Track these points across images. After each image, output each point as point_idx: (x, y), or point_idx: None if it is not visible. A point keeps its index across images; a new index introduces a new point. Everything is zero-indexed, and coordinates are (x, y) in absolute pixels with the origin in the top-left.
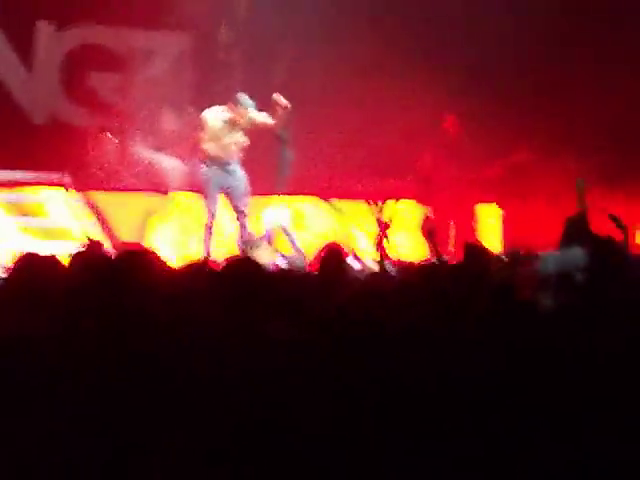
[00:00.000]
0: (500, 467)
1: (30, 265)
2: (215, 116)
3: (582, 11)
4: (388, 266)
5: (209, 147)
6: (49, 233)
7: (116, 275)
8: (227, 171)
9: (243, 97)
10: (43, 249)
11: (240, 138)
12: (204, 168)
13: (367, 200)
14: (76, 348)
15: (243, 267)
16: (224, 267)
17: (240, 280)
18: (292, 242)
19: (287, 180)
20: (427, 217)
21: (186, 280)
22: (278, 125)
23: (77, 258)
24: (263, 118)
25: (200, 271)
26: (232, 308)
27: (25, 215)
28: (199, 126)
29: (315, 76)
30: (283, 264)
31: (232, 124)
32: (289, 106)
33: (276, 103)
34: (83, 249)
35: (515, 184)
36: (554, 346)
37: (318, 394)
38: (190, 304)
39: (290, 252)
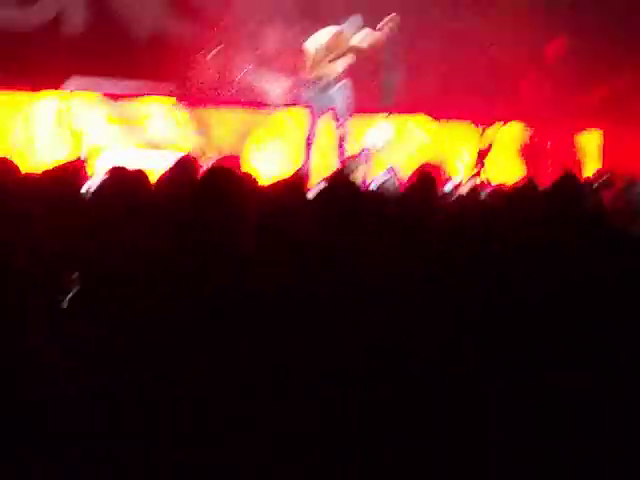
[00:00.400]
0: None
1: (117, 180)
2: (315, 43)
3: None
4: (481, 190)
5: (310, 73)
6: (154, 144)
7: (200, 193)
8: (329, 93)
9: (352, 20)
10: (147, 160)
11: (342, 62)
12: (306, 91)
13: (474, 121)
14: (151, 275)
15: (341, 187)
16: (324, 187)
17: (338, 200)
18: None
19: (392, 101)
20: (527, 141)
21: (282, 197)
22: (382, 45)
23: (166, 174)
24: (366, 42)
25: (297, 188)
26: (333, 227)
27: (129, 125)
28: (302, 52)
29: None
30: (375, 184)
31: (333, 49)
32: (395, 20)
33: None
34: (174, 165)
35: (617, 109)
36: None
37: (430, 315)
38: (284, 222)
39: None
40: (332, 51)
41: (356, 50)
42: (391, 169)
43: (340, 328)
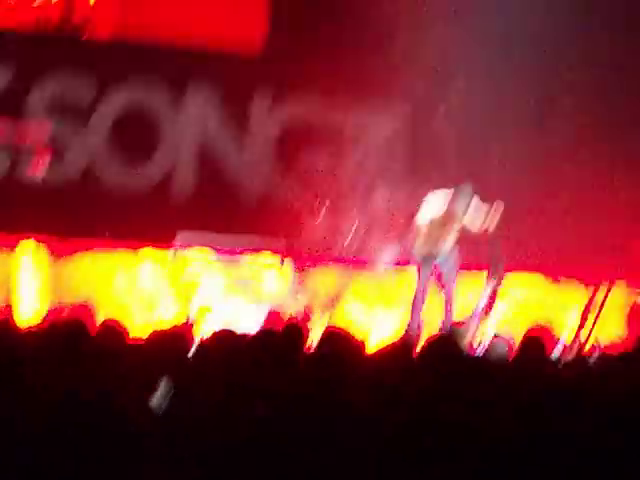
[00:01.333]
0: None
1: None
2: (426, 217)
3: None
4: (592, 354)
5: (420, 247)
6: (262, 301)
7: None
8: (437, 260)
9: (462, 190)
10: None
11: (451, 241)
12: (415, 255)
13: (585, 282)
14: None
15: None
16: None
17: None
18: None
19: (500, 281)
20: (635, 304)
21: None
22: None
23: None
24: (476, 225)
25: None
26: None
27: (242, 279)
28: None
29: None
30: (483, 349)
31: (443, 225)
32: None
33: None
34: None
35: None
36: None
37: None
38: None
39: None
40: (443, 227)
41: (466, 230)
42: (501, 336)
43: None
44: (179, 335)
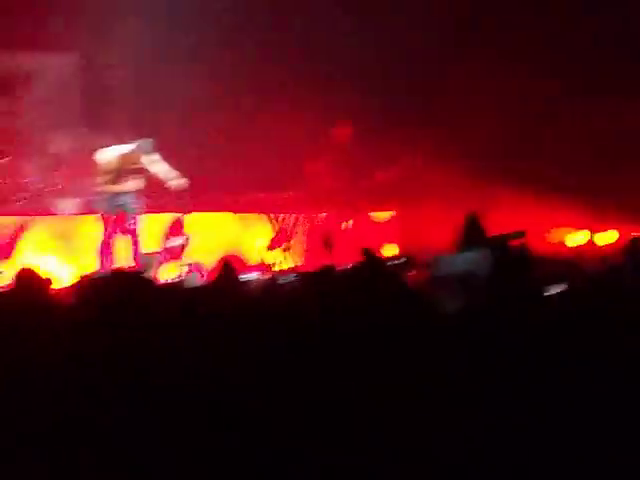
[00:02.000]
0: None
1: None
2: (106, 160)
3: None
4: (289, 274)
5: (102, 187)
6: None
7: None
8: (119, 201)
9: (142, 143)
10: None
11: (132, 184)
12: (97, 201)
13: (267, 213)
14: None
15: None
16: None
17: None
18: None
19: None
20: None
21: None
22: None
23: None
24: (154, 168)
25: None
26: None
27: None
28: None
29: (206, 89)
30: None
31: (123, 167)
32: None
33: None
34: None
35: (408, 189)
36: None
37: None
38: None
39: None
40: (123, 169)
41: (145, 171)
42: (193, 265)
43: None
44: None
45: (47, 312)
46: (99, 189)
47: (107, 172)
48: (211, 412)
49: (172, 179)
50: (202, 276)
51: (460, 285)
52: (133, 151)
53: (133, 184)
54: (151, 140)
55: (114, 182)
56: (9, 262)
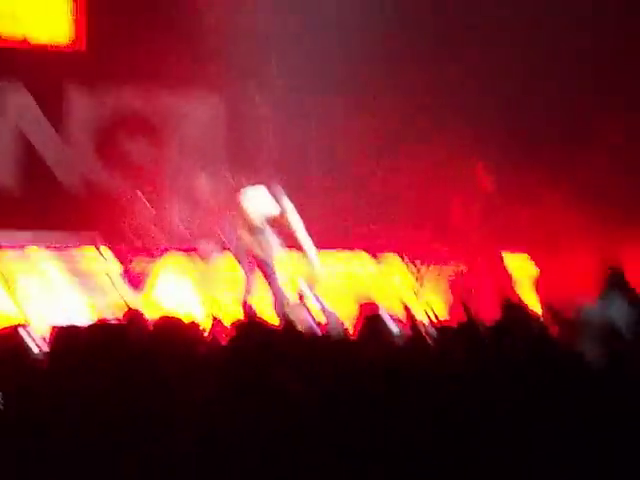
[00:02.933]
0: None
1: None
2: (254, 209)
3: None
4: (428, 327)
5: (245, 235)
6: (84, 291)
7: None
8: (260, 240)
9: (286, 200)
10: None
11: (277, 247)
12: (239, 240)
13: (401, 255)
14: None
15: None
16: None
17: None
18: (321, 304)
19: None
20: (457, 277)
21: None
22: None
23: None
24: (303, 237)
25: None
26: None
27: (60, 273)
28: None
29: (346, 129)
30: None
31: (271, 226)
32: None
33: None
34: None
35: (546, 235)
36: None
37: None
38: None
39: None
40: (264, 220)
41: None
42: (330, 312)
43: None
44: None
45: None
46: (240, 234)
47: (249, 221)
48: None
49: (309, 247)
50: (342, 324)
51: (606, 335)
52: (276, 206)
53: (273, 235)
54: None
55: (255, 231)
56: (144, 296)
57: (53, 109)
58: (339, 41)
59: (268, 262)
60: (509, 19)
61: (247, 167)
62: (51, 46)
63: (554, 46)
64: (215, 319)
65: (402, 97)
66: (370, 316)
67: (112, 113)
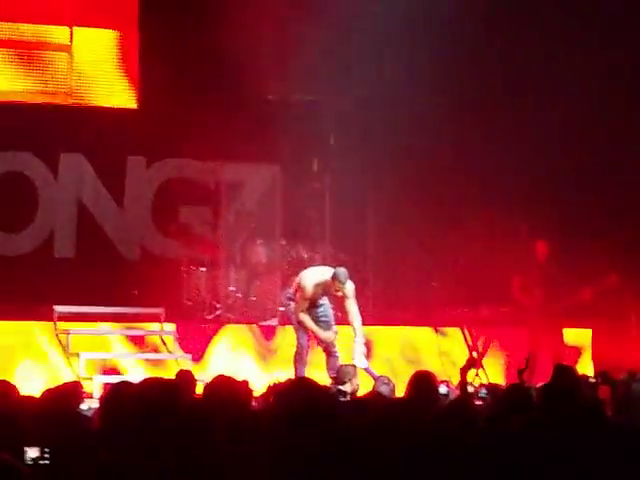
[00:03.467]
0: None
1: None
2: (311, 280)
3: None
4: (481, 391)
5: (302, 307)
6: (149, 366)
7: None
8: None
9: (341, 271)
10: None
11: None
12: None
13: (461, 327)
14: None
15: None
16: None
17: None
18: (370, 373)
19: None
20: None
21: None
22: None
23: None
24: (352, 297)
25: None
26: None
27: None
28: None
29: (407, 204)
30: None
31: (325, 290)
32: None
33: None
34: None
35: (603, 307)
36: None
37: None
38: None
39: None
40: (324, 291)
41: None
42: (384, 377)
43: None
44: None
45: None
46: (295, 308)
47: (305, 294)
48: None
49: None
50: (392, 387)
51: None
52: (332, 278)
53: (329, 335)
54: (345, 270)
55: (310, 303)
56: (201, 366)
57: (114, 180)
58: (389, 119)
59: (325, 337)
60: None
61: (301, 239)
62: (111, 115)
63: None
64: (270, 385)
65: (461, 176)
66: (420, 378)
67: (170, 183)
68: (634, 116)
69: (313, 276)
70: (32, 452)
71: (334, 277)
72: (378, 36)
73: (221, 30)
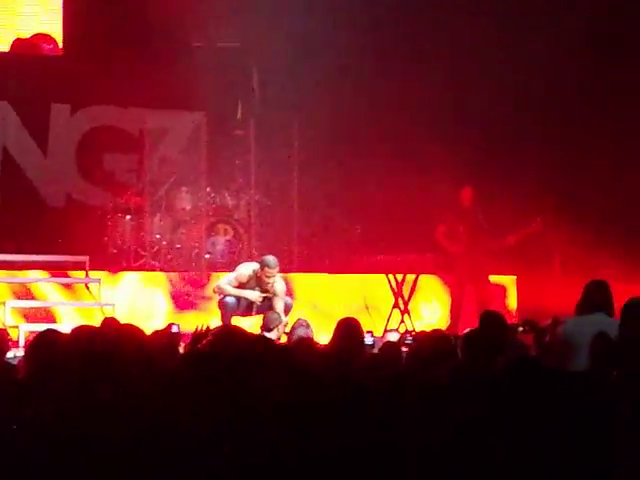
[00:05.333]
0: None
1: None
2: (247, 267)
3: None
4: (407, 338)
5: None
6: (74, 314)
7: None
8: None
9: (269, 257)
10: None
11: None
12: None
13: (387, 274)
14: None
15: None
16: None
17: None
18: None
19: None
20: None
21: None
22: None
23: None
24: (280, 296)
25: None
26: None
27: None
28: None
29: (328, 150)
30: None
31: (257, 281)
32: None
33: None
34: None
35: (528, 254)
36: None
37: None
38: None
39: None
40: (256, 283)
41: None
42: (303, 320)
43: None
44: None
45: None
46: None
47: (239, 277)
48: None
49: (287, 300)
50: (310, 330)
51: (591, 347)
52: (260, 265)
53: (254, 294)
54: (274, 257)
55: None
56: None
57: (37, 128)
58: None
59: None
60: None
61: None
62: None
63: None
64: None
65: (389, 114)
66: (343, 326)
67: (94, 131)
68: None
69: (249, 265)
70: None
71: (262, 263)
72: None
73: None
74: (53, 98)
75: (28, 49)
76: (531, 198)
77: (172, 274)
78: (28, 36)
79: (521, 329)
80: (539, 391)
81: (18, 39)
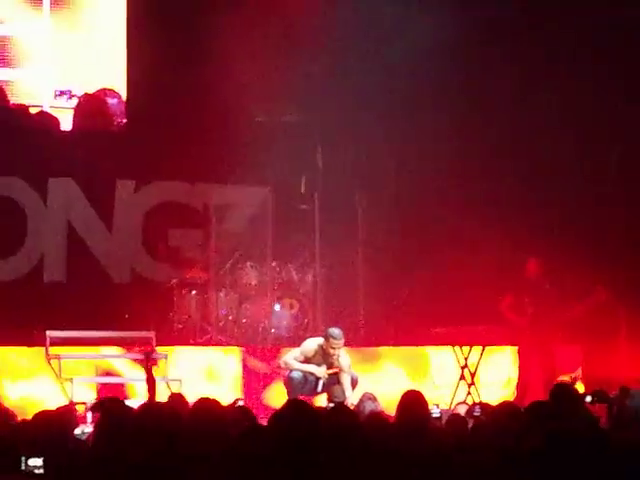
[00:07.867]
0: None
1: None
2: (312, 342)
3: None
4: (475, 410)
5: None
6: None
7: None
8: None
9: (334, 329)
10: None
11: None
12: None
13: (453, 346)
14: None
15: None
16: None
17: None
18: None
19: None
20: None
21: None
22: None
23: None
24: (347, 370)
25: None
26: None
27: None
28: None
29: (396, 226)
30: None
31: (323, 355)
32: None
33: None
34: None
35: (595, 323)
36: None
37: None
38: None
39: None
40: (322, 357)
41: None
42: (369, 394)
43: None
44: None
45: None
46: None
47: (304, 351)
48: None
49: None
50: (377, 403)
51: None
52: (325, 337)
53: (320, 370)
54: (339, 329)
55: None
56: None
57: (102, 204)
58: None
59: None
60: None
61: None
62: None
63: None
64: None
65: (454, 195)
66: (412, 400)
67: (159, 207)
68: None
69: (315, 340)
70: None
71: (327, 335)
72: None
73: (211, 55)
74: (118, 174)
75: (94, 104)
76: (596, 268)
77: (238, 348)
78: (93, 91)
79: (589, 399)
80: (612, 465)
81: (86, 94)
